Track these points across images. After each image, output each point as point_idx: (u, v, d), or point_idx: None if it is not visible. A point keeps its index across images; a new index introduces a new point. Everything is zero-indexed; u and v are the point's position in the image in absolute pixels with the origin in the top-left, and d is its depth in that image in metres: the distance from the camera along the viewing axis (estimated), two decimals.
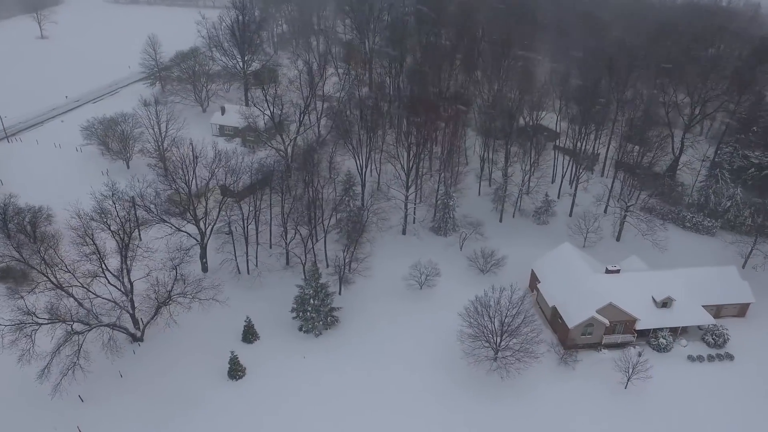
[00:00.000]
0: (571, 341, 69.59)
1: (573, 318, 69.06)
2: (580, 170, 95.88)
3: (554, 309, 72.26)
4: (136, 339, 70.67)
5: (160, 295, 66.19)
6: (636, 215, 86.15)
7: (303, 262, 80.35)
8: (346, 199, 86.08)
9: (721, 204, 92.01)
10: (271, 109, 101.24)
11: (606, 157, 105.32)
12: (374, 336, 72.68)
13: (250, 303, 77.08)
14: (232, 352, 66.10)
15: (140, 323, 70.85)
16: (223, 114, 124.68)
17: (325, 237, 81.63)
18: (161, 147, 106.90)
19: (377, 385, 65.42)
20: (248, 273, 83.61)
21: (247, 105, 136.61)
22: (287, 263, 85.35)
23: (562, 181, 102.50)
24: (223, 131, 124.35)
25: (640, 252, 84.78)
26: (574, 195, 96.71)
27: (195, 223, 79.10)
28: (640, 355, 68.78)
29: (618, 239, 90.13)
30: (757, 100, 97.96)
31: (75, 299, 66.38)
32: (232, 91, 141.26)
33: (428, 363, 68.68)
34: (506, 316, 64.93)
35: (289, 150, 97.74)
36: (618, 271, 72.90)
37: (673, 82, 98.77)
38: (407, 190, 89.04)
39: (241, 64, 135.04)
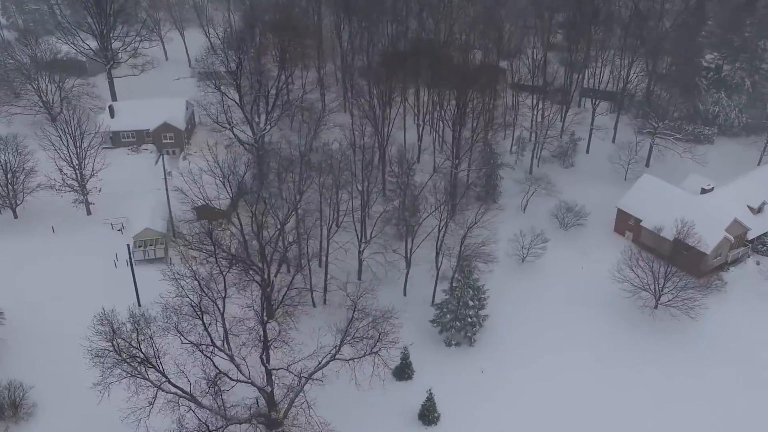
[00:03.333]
0: (706, 267, 79.13)
1: (706, 243, 78.44)
2: (596, 104, 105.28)
3: (676, 241, 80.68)
4: (273, 426, 60.09)
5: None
6: (668, 135, 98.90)
7: (409, 263, 75.79)
8: (405, 179, 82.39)
9: (710, 111, 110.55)
10: (240, 94, 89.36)
11: (577, 86, 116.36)
12: (525, 322, 73.23)
13: None
14: (428, 391, 61.12)
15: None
16: (113, 116, 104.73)
17: (413, 232, 77.54)
18: (81, 175, 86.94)
19: (581, 371, 67.37)
20: (325, 303, 75.73)
21: (114, 99, 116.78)
22: (359, 277, 79.31)
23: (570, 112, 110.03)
24: (120, 139, 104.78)
25: (670, 171, 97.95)
26: (591, 131, 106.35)
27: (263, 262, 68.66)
28: (758, 263, 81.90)
29: (647, 165, 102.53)
30: (699, 5, 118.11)
31: (195, 401, 54.08)
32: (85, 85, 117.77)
33: (606, 331, 72.48)
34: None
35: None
36: (713, 189, 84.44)
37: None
38: (456, 158, 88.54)
39: (99, 45, 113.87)
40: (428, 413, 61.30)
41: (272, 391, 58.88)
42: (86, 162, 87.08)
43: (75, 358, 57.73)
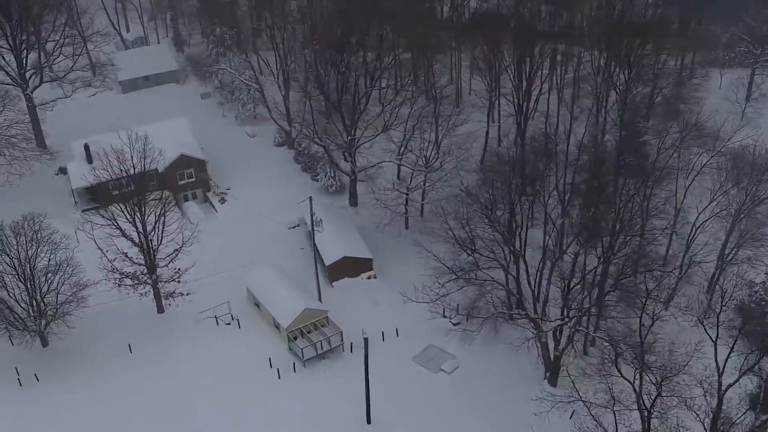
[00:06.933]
0: None
1: None
2: None
3: None
4: None
5: None
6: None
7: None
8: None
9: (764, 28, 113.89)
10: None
11: None
12: None
13: None
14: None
15: None
16: (90, 161, 77.74)
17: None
18: (150, 256, 63.89)
19: None
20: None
21: (40, 145, 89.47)
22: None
23: None
24: (110, 193, 78.13)
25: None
26: (681, 66, 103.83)
27: None
28: None
29: (747, 99, 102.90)
30: None
31: None
32: None
33: None
34: None
35: None
36: None
37: None
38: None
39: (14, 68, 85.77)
40: None
41: None
42: (155, 234, 64.35)
43: None
